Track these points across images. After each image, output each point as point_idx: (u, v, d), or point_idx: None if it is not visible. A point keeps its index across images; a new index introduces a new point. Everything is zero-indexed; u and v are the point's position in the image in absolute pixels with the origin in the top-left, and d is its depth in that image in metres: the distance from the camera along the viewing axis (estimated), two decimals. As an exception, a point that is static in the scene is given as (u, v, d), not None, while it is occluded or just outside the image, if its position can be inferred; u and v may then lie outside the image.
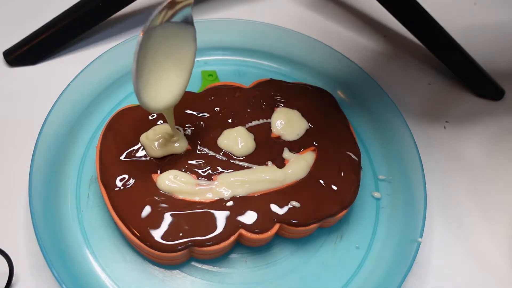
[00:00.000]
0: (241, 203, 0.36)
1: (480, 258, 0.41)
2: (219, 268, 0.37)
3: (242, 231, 0.35)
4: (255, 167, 0.38)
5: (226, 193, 0.36)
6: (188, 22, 0.32)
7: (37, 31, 0.47)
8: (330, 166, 0.38)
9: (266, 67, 0.48)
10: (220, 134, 0.39)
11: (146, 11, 0.53)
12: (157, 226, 0.34)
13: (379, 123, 0.45)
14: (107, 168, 0.36)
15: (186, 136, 0.39)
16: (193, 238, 0.34)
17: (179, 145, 0.37)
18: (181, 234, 0.34)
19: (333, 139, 0.40)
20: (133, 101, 0.43)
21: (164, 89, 0.33)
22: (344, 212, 0.37)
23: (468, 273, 0.40)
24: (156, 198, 0.35)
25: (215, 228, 0.35)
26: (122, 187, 0.36)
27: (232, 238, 0.35)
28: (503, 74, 0.52)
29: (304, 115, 0.41)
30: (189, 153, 0.38)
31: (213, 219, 0.35)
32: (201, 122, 0.40)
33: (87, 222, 0.37)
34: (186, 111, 0.40)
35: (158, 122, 0.39)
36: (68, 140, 0.41)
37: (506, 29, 0.58)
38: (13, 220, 0.38)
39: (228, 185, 0.36)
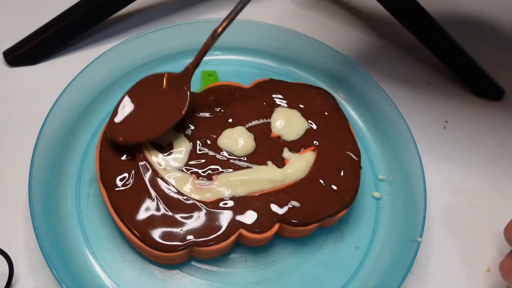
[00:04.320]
0: (241, 203, 0.36)
1: (480, 258, 0.41)
2: (219, 268, 0.37)
3: (242, 231, 0.35)
4: (255, 167, 0.38)
5: (226, 193, 0.36)
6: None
7: (37, 31, 0.47)
8: (330, 166, 0.38)
9: (266, 67, 0.48)
10: (220, 134, 0.39)
11: (146, 11, 0.53)
12: (157, 226, 0.34)
13: (379, 123, 0.45)
14: (107, 168, 0.36)
15: (186, 136, 0.39)
16: (193, 238, 0.34)
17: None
18: (181, 234, 0.34)
19: (333, 139, 0.40)
20: (133, 101, 0.43)
21: None
22: (344, 212, 0.37)
23: (468, 273, 0.40)
24: (156, 198, 0.36)
25: (215, 228, 0.35)
26: (122, 187, 0.36)
27: (232, 238, 0.35)
28: (503, 74, 0.52)
29: (304, 115, 0.41)
30: (189, 153, 0.38)
31: (213, 219, 0.35)
32: (201, 122, 0.40)
33: (87, 222, 0.37)
34: (186, 111, 0.40)
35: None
36: (68, 140, 0.41)
37: (506, 29, 0.58)
38: (13, 220, 0.38)
39: (228, 185, 0.36)
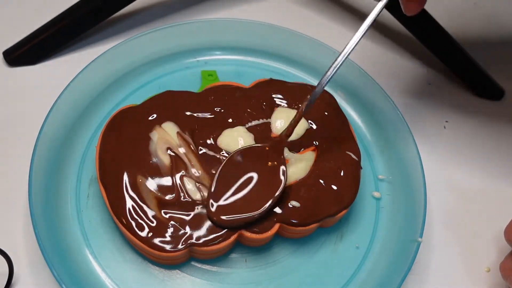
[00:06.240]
0: (241, 203, 0.36)
1: (480, 258, 0.41)
2: (219, 268, 0.37)
3: (242, 231, 0.35)
4: (255, 167, 0.38)
5: (226, 193, 0.36)
6: None
7: (37, 31, 0.47)
8: (330, 166, 0.38)
9: (266, 67, 0.48)
10: (220, 134, 0.39)
11: (146, 11, 0.53)
12: (157, 226, 0.34)
13: (379, 123, 0.45)
14: (107, 168, 0.36)
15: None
16: (193, 238, 0.34)
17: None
18: (181, 234, 0.34)
19: (333, 139, 0.40)
20: (133, 101, 0.43)
21: None
22: (344, 212, 0.37)
23: (468, 273, 0.40)
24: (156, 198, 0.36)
25: (215, 228, 0.35)
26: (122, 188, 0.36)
27: (232, 238, 0.35)
28: (503, 74, 0.52)
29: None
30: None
31: (213, 219, 0.35)
32: (201, 122, 0.40)
33: (87, 222, 0.37)
34: (186, 112, 0.40)
35: (163, 125, 0.39)
36: (68, 140, 0.41)
37: (506, 28, 0.58)
38: (13, 220, 0.38)
39: (228, 185, 0.36)
